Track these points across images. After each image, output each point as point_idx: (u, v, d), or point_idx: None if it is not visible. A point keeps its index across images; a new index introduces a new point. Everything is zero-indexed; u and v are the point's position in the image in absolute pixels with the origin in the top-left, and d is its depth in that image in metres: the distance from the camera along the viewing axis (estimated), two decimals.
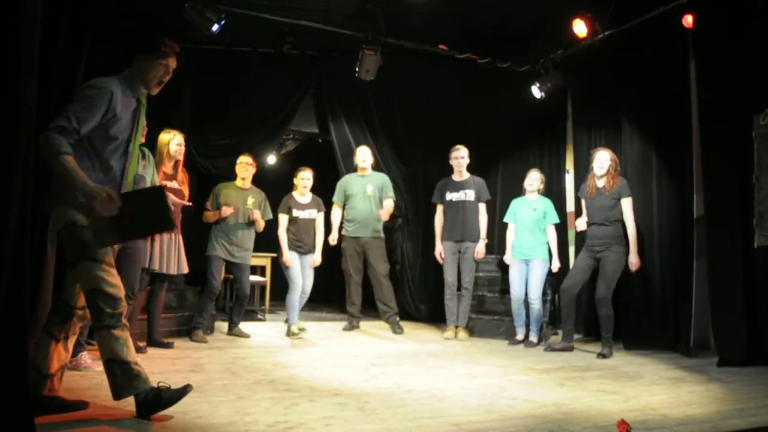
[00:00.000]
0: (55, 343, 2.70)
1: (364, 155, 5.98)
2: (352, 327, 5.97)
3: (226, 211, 5.16)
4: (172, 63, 2.85)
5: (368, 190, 5.88)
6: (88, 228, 2.62)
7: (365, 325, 6.11)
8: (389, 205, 5.87)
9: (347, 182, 6.02)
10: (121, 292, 2.65)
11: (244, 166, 5.39)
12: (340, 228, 5.97)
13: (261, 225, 5.36)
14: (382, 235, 5.97)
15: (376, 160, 6.57)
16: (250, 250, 5.43)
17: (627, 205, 4.94)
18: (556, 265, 5.46)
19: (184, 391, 2.69)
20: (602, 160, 5.01)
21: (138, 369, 2.63)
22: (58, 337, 2.71)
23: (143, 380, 2.62)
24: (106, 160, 2.70)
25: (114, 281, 2.64)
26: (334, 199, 6.02)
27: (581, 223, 5.19)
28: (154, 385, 2.67)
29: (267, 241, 6.25)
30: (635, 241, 4.94)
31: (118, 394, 2.60)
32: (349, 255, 5.87)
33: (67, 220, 2.62)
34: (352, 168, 6.70)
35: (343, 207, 5.97)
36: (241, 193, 5.37)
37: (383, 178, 6.03)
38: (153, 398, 2.62)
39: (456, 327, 5.70)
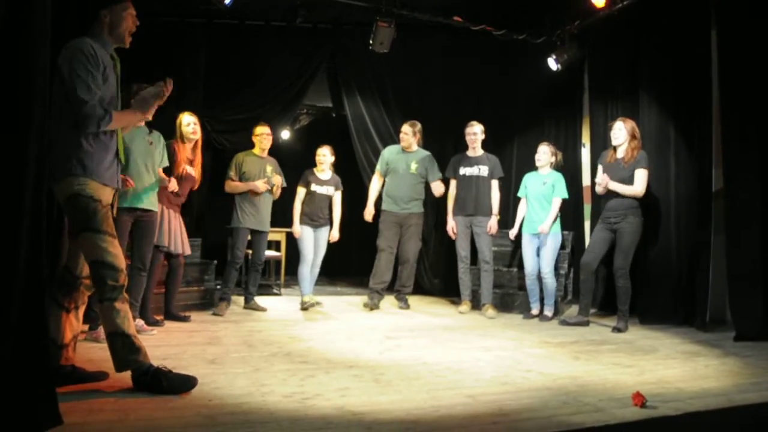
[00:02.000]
0: (66, 313, 2.73)
1: (402, 134, 5.83)
2: (376, 305, 5.75)
3: (264, 186, 5.23)
4: (134, 11, 2.80)
5: (412, 167, 5.78)
6: (92, 198, 2.62)
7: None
8: (440, 186, 5.76)
9: (391, 154, 5.89)
10: (121, 262, 2.66)
11: (266, 137, 5.39)
12: (377, 202, 5.87)
13: (278, 194, 5.45)
14: (422, 211, 5.91)
15: (389, 134, 6.54)
16: (269, 217, 5.47)
17: (639, 174, 4.82)
18: (545, 227, 5.31)
19: (188, 383, 2.68)
20: (616, 130, 4.95)
21: (139, 343, 2.66)
22: (68, 307, 2.74)
23: (143, 355, 2.65)
24: None
25: (115, 251, 2.64)
26: (377, 168, 5.95)
27: (602, 180, 4.94)
28: (154, 363, 2.69)
29: (282, 216, 6.27)
30: (624, 190, 4.81)
31: (119, 368, 2.64)
32: (386, 228, 5.78)
33: (70, 192, 2.61)
34: (367, 142, 6.67)
35: (384, 178, 5.88)
36: (261, 162, 5.37)
37: (430, 157, 5.88)
38: (152, 380, 2.63)
39: (483, 304, 5.64)
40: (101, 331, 3.76)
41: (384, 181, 5.89)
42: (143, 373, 2.64)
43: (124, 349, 2.62)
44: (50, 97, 2.38)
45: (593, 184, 5.47)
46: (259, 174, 5.31)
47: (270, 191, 5.36)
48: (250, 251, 5.52)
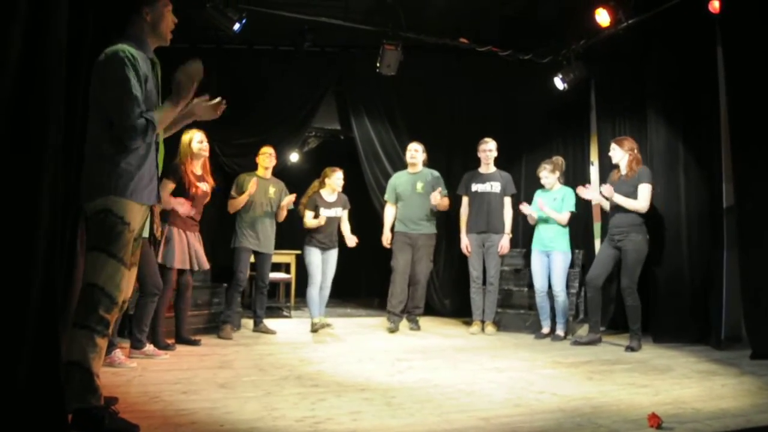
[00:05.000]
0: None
1: (412, 151, 5.88)
2: (396, 328, 5.73)
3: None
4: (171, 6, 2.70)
5: (418, 187, 5.81)
6: (122, 220, 2.46)
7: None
8: (438, 197, 5.68)
9: (397, 180, 5.95)
10: (123, 297, 2.49)
11: (269, 157, 5.44)
12: (392, 228, 5.89)
13: (283, 215, 5.44)
14: (433, 231, 5.88)
15: (398, 156, 6.57)
16: (273, 239, 5.48)
17: (642, 189, 4.84)
18: (530, 209, 5.45)
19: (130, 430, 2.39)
20: (611, 150, 5.06)
21: (98, 384, 2.41)
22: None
23: (97, 397, 2.40)
24: None
25: (123, 285, 2.46)
26: (386, 197, 6.00)
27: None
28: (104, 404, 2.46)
29: (291, 238, 6.29)
30: (627, 203, 4.83)
31: (72, 403, 2.31)
32: (398, 249, 5.77)
33: (102, 207, 2.45)
34: (376, 164, 6.71)
35: (395, 205, 5.90)
36: (263, 183, 5.38)
37: (434, 175, 5.90)
38: (92, 419, 2.34)
39: (482, 322, 5.66)
40: (114, 355, 3.76)
41: (396, 208, 5.91)
42: (85, 415, 2.36)
43: (80, 385, 2.35)
44: (83, 113, 2.34)
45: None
46: (263, 196, 5.33)
47: (273, 213, 5.38)
48: (254, 273, 5.52)
